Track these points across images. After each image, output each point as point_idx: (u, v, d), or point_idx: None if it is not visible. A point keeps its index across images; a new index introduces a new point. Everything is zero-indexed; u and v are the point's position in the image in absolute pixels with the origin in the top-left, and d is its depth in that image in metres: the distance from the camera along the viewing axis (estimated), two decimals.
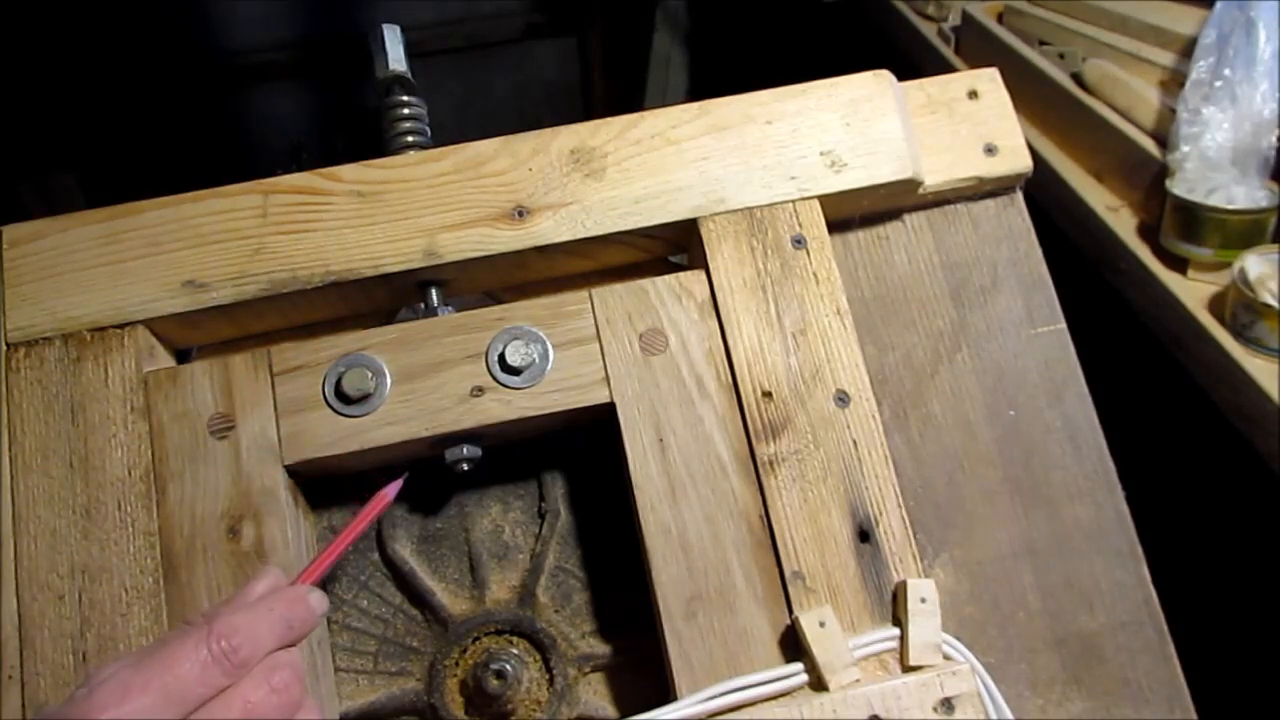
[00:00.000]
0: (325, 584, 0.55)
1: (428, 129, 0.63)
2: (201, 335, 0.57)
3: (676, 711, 0.47)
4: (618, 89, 2.10)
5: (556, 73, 2.13)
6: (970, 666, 0.49)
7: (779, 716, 0.47)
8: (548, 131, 0.57)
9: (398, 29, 0.65)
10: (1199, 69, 0.97)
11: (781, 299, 0.55)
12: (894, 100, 0.58)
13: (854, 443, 0.52)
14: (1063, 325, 0.59)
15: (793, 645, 0.49)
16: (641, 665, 0.54)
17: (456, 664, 0.54)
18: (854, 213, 0.60)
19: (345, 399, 0.52)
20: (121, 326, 0.53)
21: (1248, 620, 0.95)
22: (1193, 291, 0.94)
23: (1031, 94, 1.14)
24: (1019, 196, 0.62)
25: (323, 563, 0.48)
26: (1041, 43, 1.21)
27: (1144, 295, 0.99)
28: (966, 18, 1.28)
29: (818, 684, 0.48)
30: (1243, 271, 0.88)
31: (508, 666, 0.52)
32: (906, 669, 0.49)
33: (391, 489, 0.52)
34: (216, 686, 0.41)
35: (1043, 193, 1.10)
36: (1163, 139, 1.01)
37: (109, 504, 0.51)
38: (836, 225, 0.59)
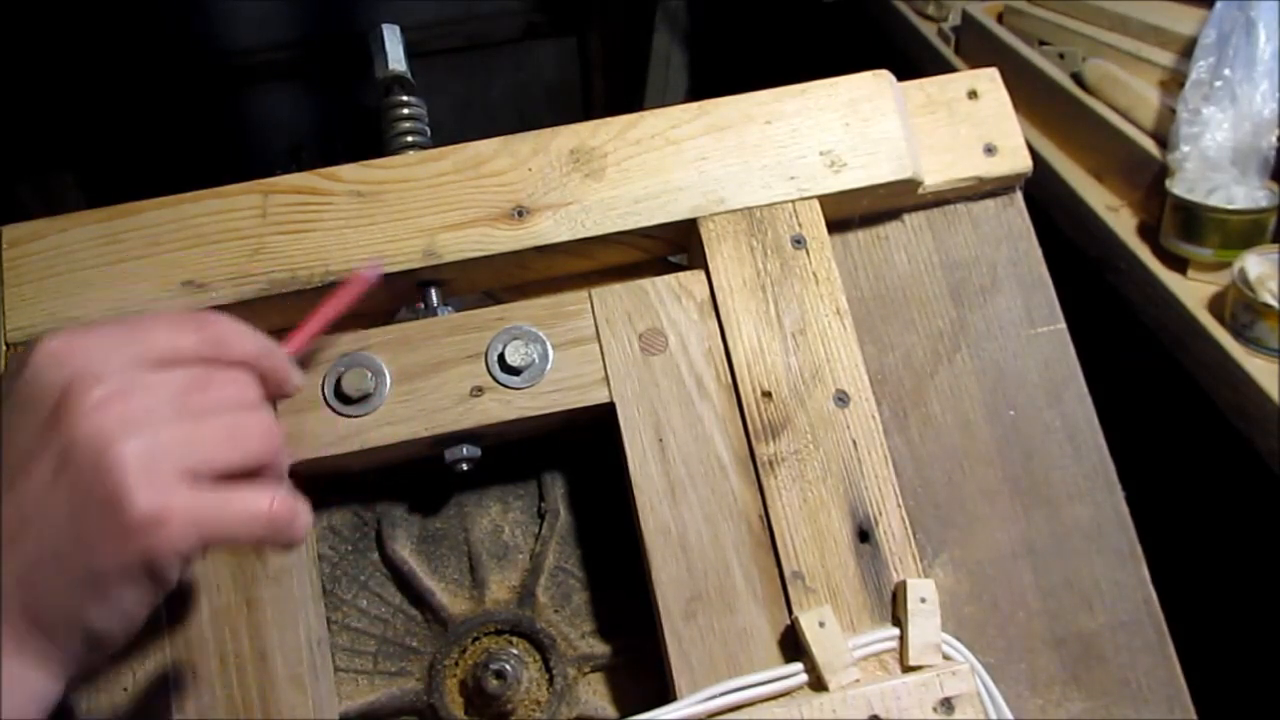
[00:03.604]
0: (325, 586, 0.55)
1: (428, 129, 0.63)
2: None
3: (676, 711, 0.47)
4: (618, 89, 2.10)
5: (556, 73, 2.13)
6: (970, 666, 0.49)
7: (779, 716, 0.47)
8: (547, 131, 0.57)
9: (397, 29, 0.65)
10: (1199, 69, 0.97)
11: (781, 299, 0.55)
12: (894, 100, 0.58)
13: (854, 443, 0.52)
14: (1062, 325, 0.59)
15: (792, 645, 0.49)
16: (641, 665, 0.54)
17: (456, 664, 0.54)
18: (854, 213, 0.60)
19: (345, 399, 0.52)
20: None
21: (1248, 620, 0.95)
22: (1193, 291, 0.94)
23: (1031, 94, 1.14)
24: (1019, 196, 0.62)
25: (304, 332, 0.47)
26: (1041, 43, 1.21)
27: (1144, 295, 0.99)
28: (966, 18, 1.28)
29: (817, 684, 0.48)
30: (1243, 271, 0.88)
31: (507, 666, 0.52)
32: (906, 669, 0.49)
33: (370, 271, 0.50)
34: (182, 349, 0.40)
35: (1043, 193, 1.10)
36: (1163, 139, 1.01)
37: None
38: (836, 225, 0.59)
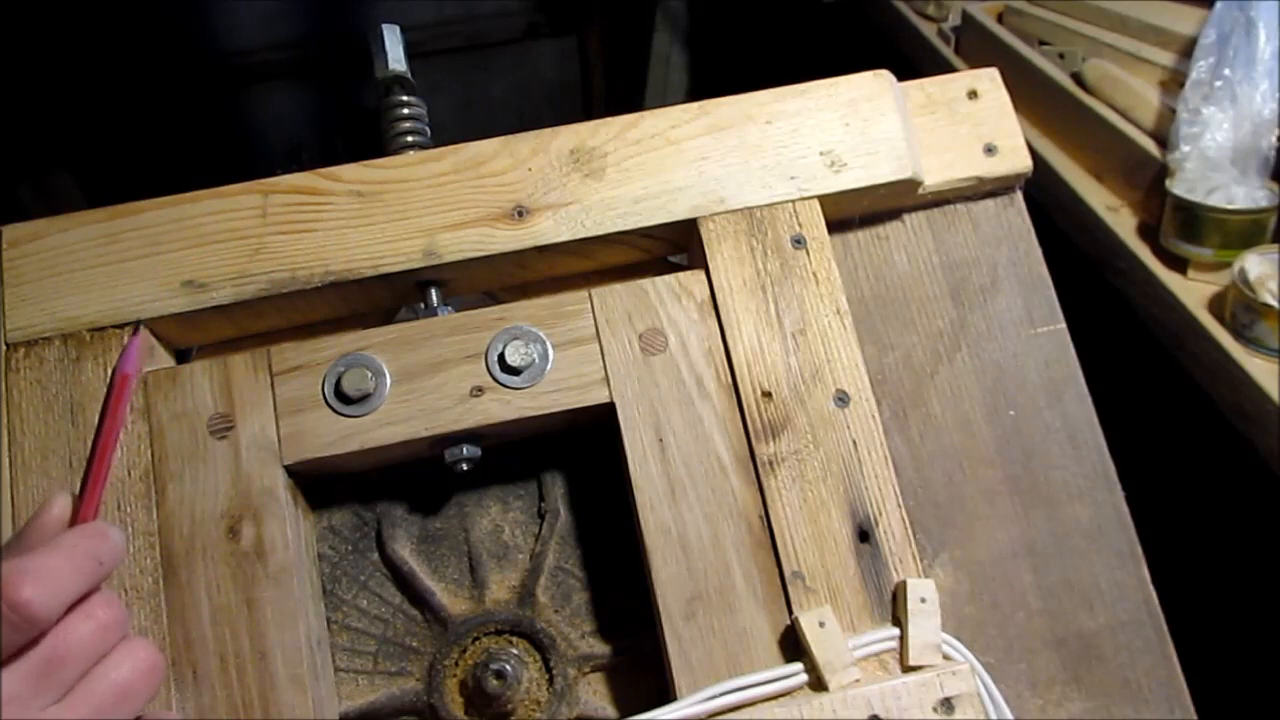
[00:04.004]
0: (325, 586, 0.55)
1: (428, 129, 0.63)
2: (201, 335, 0.57)
3: (676, 711, 0.47)
4: (618, 89, 2.10)
5: (556, 73, 2.13)
6: (970, 666, 0.49)
7: (779, 716, 0.47)
8: (547, 131, 0.57)
9: (397, 29, 0.65)
10: (1199, 69, 0.97)
11: (781, 299, 0.55)
12: (894, 100, 0.58)
13: (854, 443, 0.52)
14: (1062, 325, 0.59)
15: (792, 645, 0.49)
16: (641, 665, 0.54)
17: (456, 664, 0.54)
18: (854, 213, 0.60)
19: (345, 399, 0.52)
20: (121, 326, 0.53)
21: (1248, 620, 0.95)
22: (1193, 291, 0.94)
23: (1031, 94, 1.14)
24: (1019, 196, 0.62)
25: (96, 484, 0.45)
26: (1041, 43, 1.21)
27: (1144, 295, 0.99)
28: (966, 18, 1.28)
29: (817, 684, 0.48)
30: (1243, 271, 0.88)
31: (507, 667, 0.52)
32: (906, 669, 0.49)
33: (128, 359, 0.48)
34: (10, 645, 0.36)
35: (1043, 193, 1.10)
36: (1163, 139, 1.01)
37: (108, 504, 0.50)
38: (836, 225, 0.59)
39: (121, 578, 0.49)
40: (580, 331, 0.54)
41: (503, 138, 0.57)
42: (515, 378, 0.53)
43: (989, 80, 0.62)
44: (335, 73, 1.99)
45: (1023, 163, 0.60)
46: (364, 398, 0.52)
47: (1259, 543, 0.92)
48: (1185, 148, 0.95)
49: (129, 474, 0.51)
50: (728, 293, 0.55)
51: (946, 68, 1.27)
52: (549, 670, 0.54)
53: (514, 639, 0.55)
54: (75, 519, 0.44)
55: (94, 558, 0.40)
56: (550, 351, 0.54)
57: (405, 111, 0.62)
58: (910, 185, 0.58)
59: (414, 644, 0.55)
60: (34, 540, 0.40)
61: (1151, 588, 0.55)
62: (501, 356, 0.53)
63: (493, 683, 0.52)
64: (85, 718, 0.37)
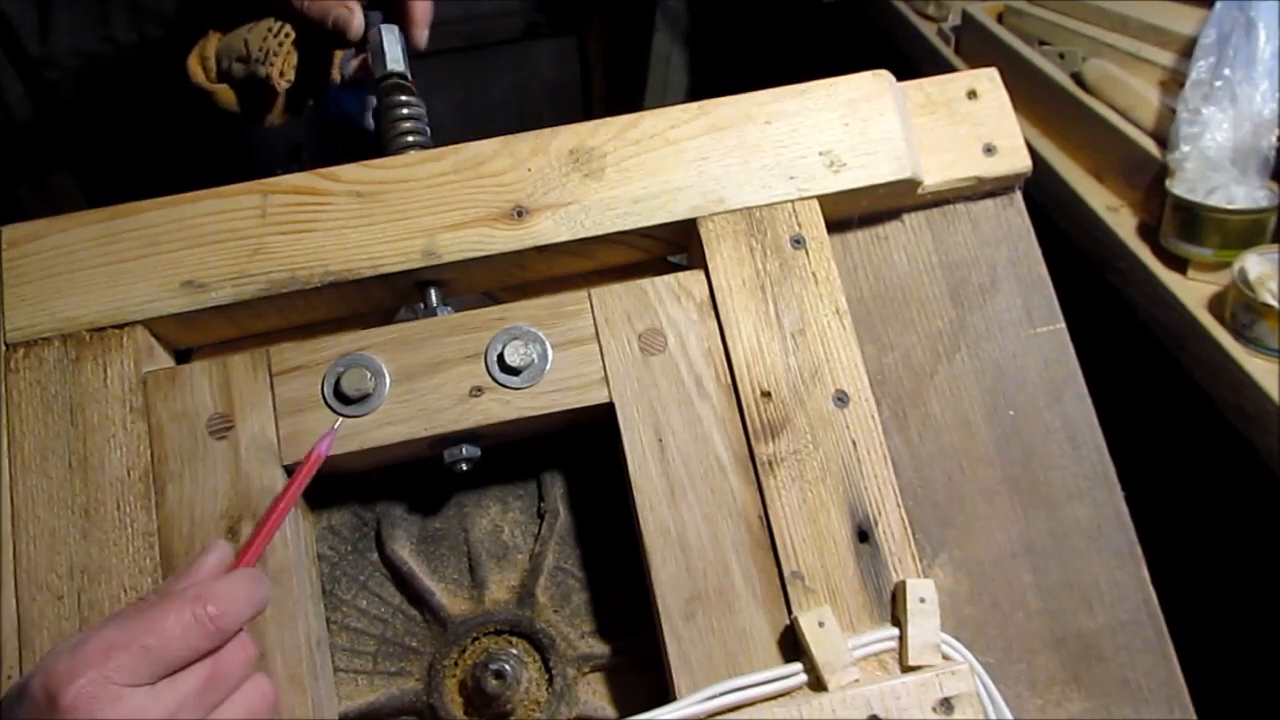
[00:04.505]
0: (325, 586, 0.55)
1: (427, 129, 0.63)
2: (201, 335, 0.57)
3: (676, 711, 0.47)
4: (618, 89, 2.10)
5: (556, 72, 2.13)
6: (969, 666, 0.49)
7: (778, 716, 0.47)
8: (547, 131, 0.57)
9: (396, 29, 0.65)
10: (1199, 69, 0.97)
11: (780, 299, 0.55)
12: (893, 100, 0.58)
13: (853, 443, 0.52)
14: (1062, 325, 0.59)
15: (792, 645, 0.49)
16: (641, 665, 0.54)
17: (456, 664, 0.54)
18: (853, 213, 0.60)
19: (344, 399, 0.52)
20: (121, 327, 0.53)
21: (1248, 620, 0.95)
22: (1193, 291, 0.94)
23: (1031, 94, 1.14)
24: (1018, 196, 0.62)
25: (263, 536, 0.49)
26: (1041, 43, 1.21)
27: (1144, 295, 0.99)
28: (966, 18, 1.28)
29: (817, 684, 0.48)
30: (1243, 271, 0.88)
31: (507, 667, 0.52)
32: (906, 669, 0.49)
33: (323, 444, 0.51)
34: (197, 650, 0.42)
35: (1043, 193, 1.10)
36: (1163, 139, 1.01)
37: (108, 504, 0.51)
38: (836, 225, 0.59)
39: (121, 578, 0.49)
40: (580, 331, 0.54)
41: (502, 138, 0.57)
42: (515, 378, 0.53)
43: (989, 80, 0.62)
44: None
45: (1022, 163, 0.60)
46: (363, 398, 0.52)
47: (1259, 543, 0.92)
48: (1185, 148, 0.95)
49: (128, 474, 0.51)
50: (727, 293, 0.55)
51: (946, 68, 1.27)
52: (548, 670, 0.54)
53: (513, 639, 0.55)
54: (237, 564, 0.48)
55: (257, 595, 0.46)
56: (550, 351, 0.54)
57: (405, 111, 0.62)
58: (910, 185, 0.58)
59: (413, 644, 0.55)
60: (197, 579, 0.46)
61: (1151, 588, 0.55)
62: (501, 356, 0.53)
63: (492, 683, 0.52)
64: None
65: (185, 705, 0.41)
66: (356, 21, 0.64)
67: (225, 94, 0.62)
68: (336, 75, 0.67)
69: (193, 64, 0.62)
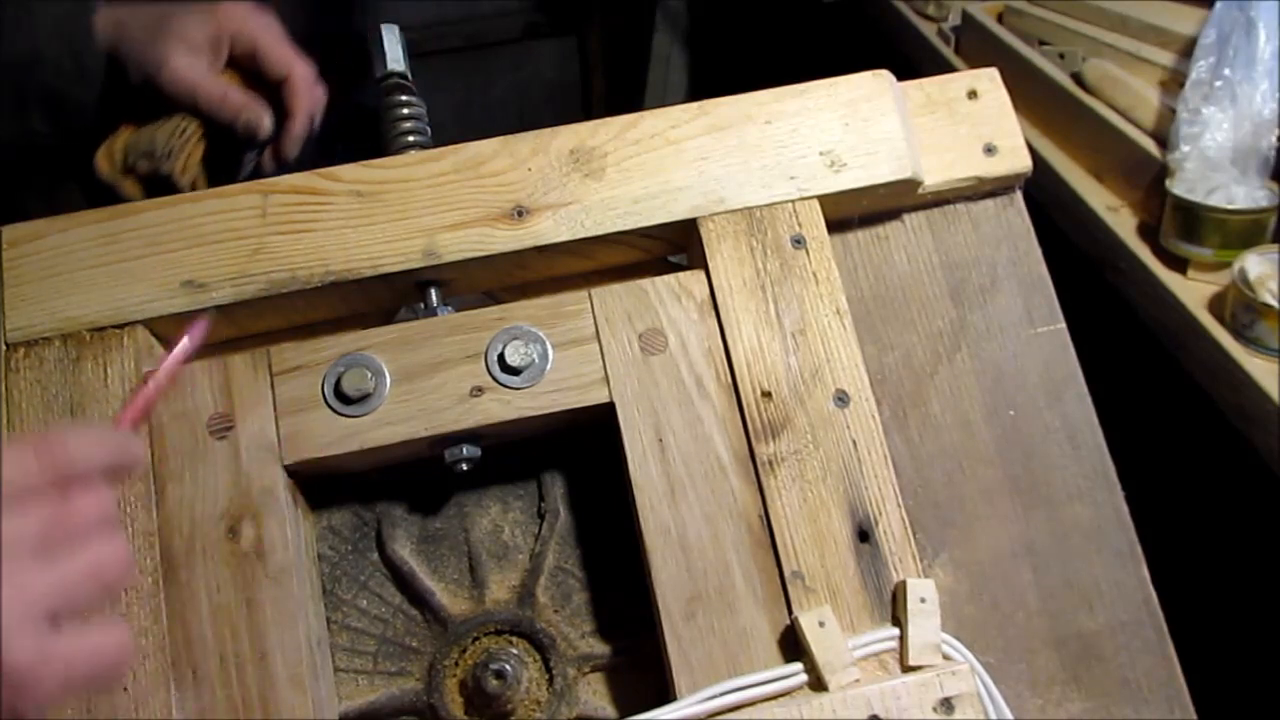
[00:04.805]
0: (325, 586, 0.55)
1: (427, 129, 0.63)
2: None
3: (676, 711, 0.47)
4: (618, 89, 2.10)
5: (556, 72, 2.13)
6: (970, 666, 0.49)
7: (778, 716, 0.47)
8: (547, 131, 0.57)
9: (397, 29, 0.65)
10: (1199, 69, 0.97)
11: (781, 299, 0.55)
12: (893, 100, 0.58)
13: (854, 443, 0.52)
14: (1062, 325, 0.59)
15: (792, 645, 0.49)
16: (641, 665, 0.54)
17: (456, 664, 0.54)
18: (853, 213, 0.60)
19: (345, 399, 0.52)
20: (121, 326, 0.53)
21: (1248, 620, 0.95)
22: (1193, 291, 0.94)
23: (1031, 94, 1.14)
24: (1019, 196, 0.62)
25: (137, 403, 0.46)
26: (1041, 43, 1.21)
27: (1144, 295, 0.99)
28: (966, 18, 1.28)
29: (817, 684, 0.48)
30: (1243, 271, 0.88)
31: (507, 667, 0.52)
32: (906, 669, 0.49)
33: (196, 329, 0.49)
34: (35, 488, 0.39)
35: (1043, 193, 1.10)
36: (1163, 139, 1.01)
37: None
38: (836, 225, 0.59)
39: None
40: (580, 331, 0.54)
41: (502, 138, 0.57)
42: (515, 378, 0.53)
43: (989, 80, 0.62)
44: (335, 73, 1.99)
45: (1022, 163, 0.60)
46: (364, 398, 0.52)
47: (1259, 543, 0.92)
48: (1185, 148, 0.95)
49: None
50: (727, 293, 0.55)
51: (946, 68, 1.27)
52: (549, 670, 0.54)
53: (514, 639, 0.55)
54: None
55: (111, 443, 0.42)
56: (550, 351, 0.54)
57: (405, 111, 0.62)
58: (910, 185, 0.58)
59: (414, 644, 0.55)
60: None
61: (1151, 588, 0.55)
62: (501, 356, 0.53)
63: (492, 683, 0.52)
64: (60, 582, 0.39)
65: (22, 541, 0.38)
66: (266, 124, 0.67)
67: (131, 187, 0.65)
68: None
69: (100, 157, 0.66)
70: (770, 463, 0.52)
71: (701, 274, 0.55)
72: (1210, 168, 0.93)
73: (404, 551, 0.56)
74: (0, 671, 0.36)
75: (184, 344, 0.48)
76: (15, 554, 0.38)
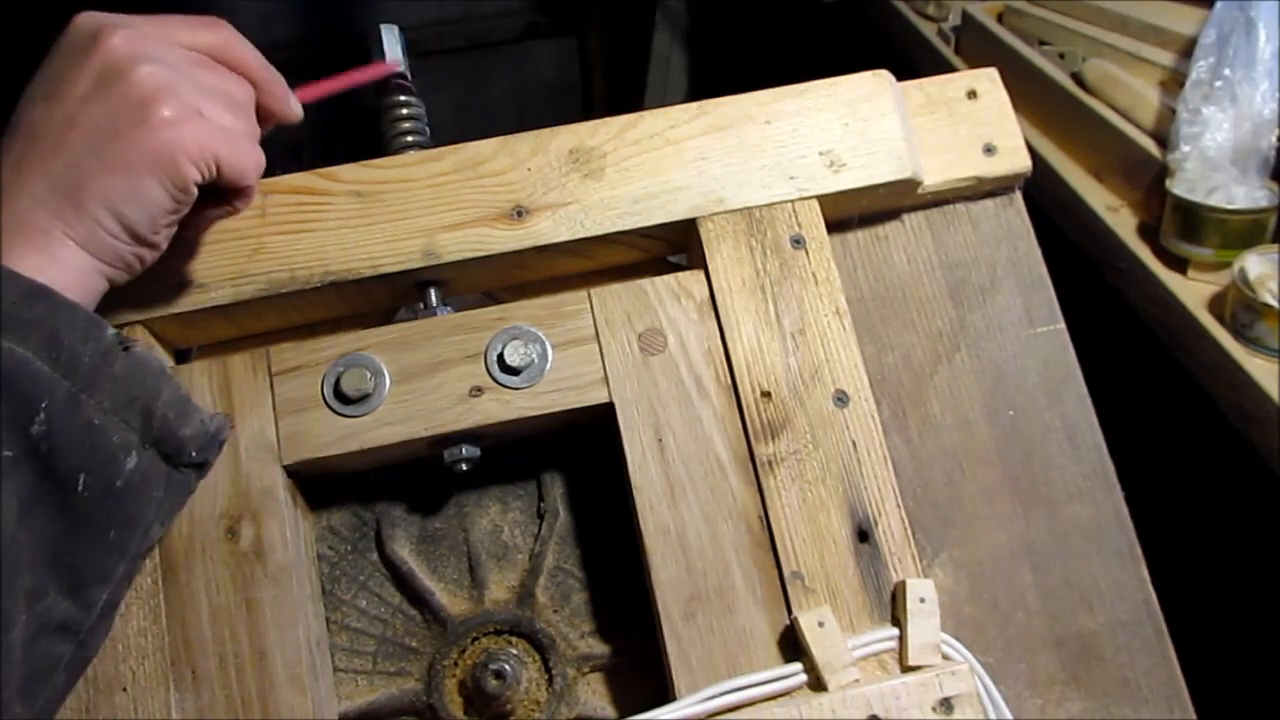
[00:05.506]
0: (325, 586, 0.55)
1: (427, 129, 0.63)
2: (200, 335, 0.57)
3: (675, 712, 0.47)
4: (618, 89, 2.10)
5: (556, 73, 2.13)
6: (969, 666, 0.49)
7: (778, 716, 0.47)
8: (547, 131, 0.57)
9: (397, 29, 0.65)
10: (1199, 69, 0.97)
11: (780, 299, 0.55)
12: (893, 100, 0.58)
13: (853, 443, 0.52)
14: (1062, 325, 0.59)
15: (792, 645, 0.49)
16: (641, 665, 0.54)
17: (455, 664, 0.54)
18: (853, 213, 0.60)
19: (344, 399, 0.52)
20: (121, 326, 0.53)
21: (1248, 620, 0.95)
22: (1193, 291, 0.94)
23: (1031, 94, 1.14)
24: (1018, 196, 0.62)
25: (320, 85, 0.53)
26: (1041, 43, 1.21)
27: (1144, 295, 0.99)
28: (966, 18, 1.28)
29: (817, 684, 0.48)
30: (1243, 271, 0.88)
31: (507, 667, 0.52)
32: (905, 669, 0.49)
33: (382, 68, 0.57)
34: (196, 41, 0.47)
35: (1043, 193, 1.10)
36: (1163, 139, 1.01)
37: None
38: (835, 225, 0.59)
39: None
40: (579, 331, 0.54)
41: (502, 138, 0.57)
42: (514, 378, 0.53)
43: (988, 80, 0.62)
44: (335, 73, 1.99)
45: (1022, 163, 0.60)
46: (363, 398, 0.52)
47: (1259, 543, 0.92)
48: (1185, 148, 0.95)
49: None
50: (727, 293, 0.55)
51: (946, 68, 1.27)
52: (548, 670, 0.54)
53: (513, 639, 0.55)
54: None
55: (285, 91, 0.50)
56: (549, 351, 0.54)
57: (404, 111, 0.62)
58: (909, 185, 0.58)
59: (413, 644, 0.55)
60: None
61: (1151, 588, 0.55)
62: (501, 356, 0.53)
63: (492, 683, 0.52)
64: (203, 83, 0.46)
65: (180, 62, 0.45)
66: None
67: None
68: None
69: None
70: (770, 463, 0.52)
71: (701, 274, 0.55)
72: (1210, 168, 0.93)
73: (403, 551, 0.56)
74: (154, 118, 0.43)
75: (373, 70, 0.56)
76: (170, 61, 0.45)
